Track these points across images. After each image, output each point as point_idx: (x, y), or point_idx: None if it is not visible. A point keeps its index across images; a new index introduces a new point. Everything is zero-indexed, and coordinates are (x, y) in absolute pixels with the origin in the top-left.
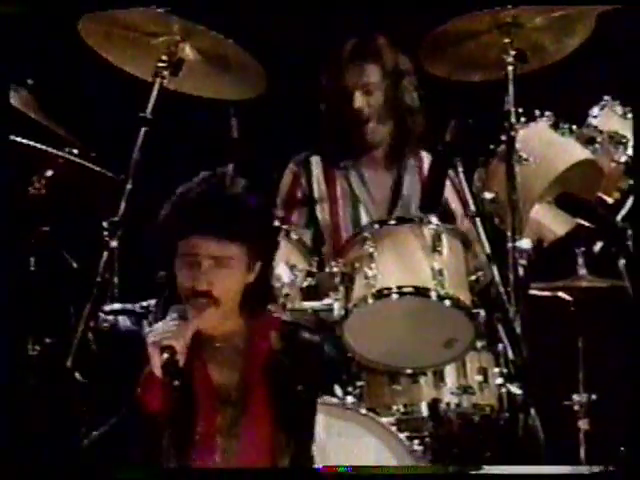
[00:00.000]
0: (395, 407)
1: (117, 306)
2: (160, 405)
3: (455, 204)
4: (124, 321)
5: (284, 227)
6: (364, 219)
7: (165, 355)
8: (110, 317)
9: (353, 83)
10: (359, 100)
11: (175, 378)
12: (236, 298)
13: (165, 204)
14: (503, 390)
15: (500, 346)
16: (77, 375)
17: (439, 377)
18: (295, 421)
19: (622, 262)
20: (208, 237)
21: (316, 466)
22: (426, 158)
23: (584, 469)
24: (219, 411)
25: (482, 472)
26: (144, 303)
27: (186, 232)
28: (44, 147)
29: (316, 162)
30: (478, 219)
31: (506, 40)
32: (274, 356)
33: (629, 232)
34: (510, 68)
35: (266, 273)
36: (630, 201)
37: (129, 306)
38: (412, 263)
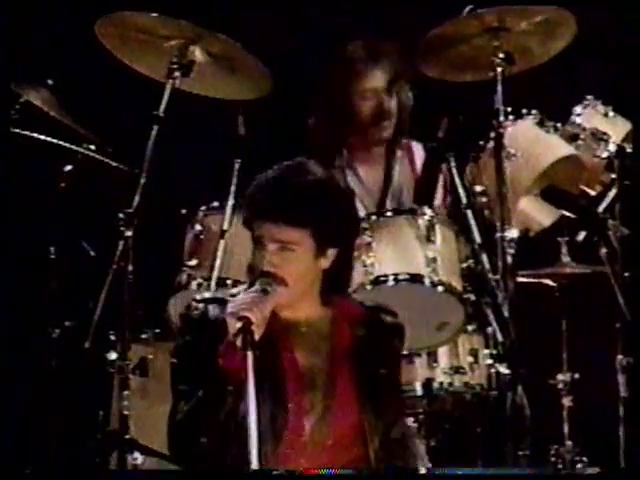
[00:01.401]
0: None
1: (207, 294)
2: (238, 373)
3: (439, 200)
4: (213, 309)
5: None
6: (360, 211)
7: (239, 324)
8: (200, 305)
9: (380, 85)
10: (387, 101)
11: (250, 349)
12: (308, 283)
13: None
14: (492, 370)
15: (490, 329)
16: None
17: (432, 358)
18: (381, 403)
19: (603, 250)
20: (271, 222)
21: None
22: (416, 148)
23: (584, 470)
24: (306, 395)
25: (481, 472)
26: (234, 290)
27: (256, 216)
28: (64, 143)
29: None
30: (469, 211)
31: (495, 43)
32: (358, 341)
33: (610, 222)
34: (499, 69)
35: (344, 260)
36: (611, 193)
37: (219, 294)
38: (407, 252)
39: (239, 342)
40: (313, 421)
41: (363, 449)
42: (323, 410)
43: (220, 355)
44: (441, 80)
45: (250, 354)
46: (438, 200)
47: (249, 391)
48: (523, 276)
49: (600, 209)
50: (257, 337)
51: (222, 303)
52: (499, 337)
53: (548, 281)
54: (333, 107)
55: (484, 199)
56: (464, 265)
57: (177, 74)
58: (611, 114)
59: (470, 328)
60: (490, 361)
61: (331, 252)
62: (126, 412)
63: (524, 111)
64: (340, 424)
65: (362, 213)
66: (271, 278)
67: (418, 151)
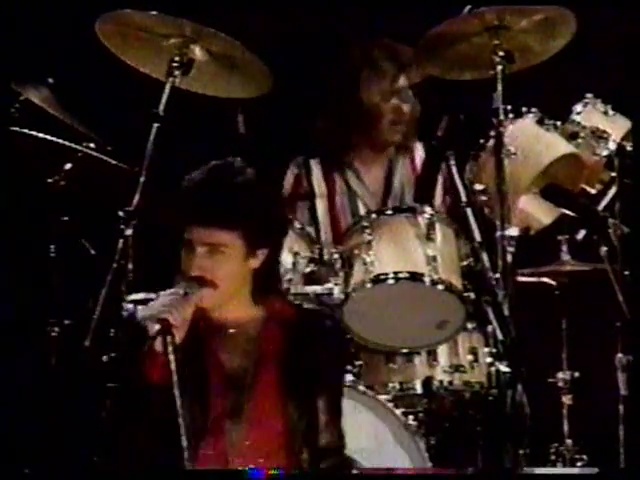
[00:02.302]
0: (391, 385)
1: (139, 296)
2: (160, 377)
3: (437, 199)
4: (142, 310)
5: (287, 217)
6: (362, 211)
7: (157, 327)
8: (130, 306)
9: (401, 86)
10: (406, 104)
11: (170, 352)
12: (238, 284)
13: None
14: (492, 368)
15: (489, 327)
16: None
17: (432, 356)
18: (308, 408)
19: (603, 249)
20: (201, 225)
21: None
22: (417, 148)
23: (586, 470)
24: (228, 396)
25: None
26: (168, 292)
27: (186, 219)
28: (63, 142)
29: (315, 164)
30: (469, 209)
31: (495, 42)
32: (287, 343)
33: (610, 220)
34: (499, 68)
35: (273, 260)
36: (611, 192)
37: (151, 295)
38: (407, 250)
39: (159, 345)
40: (234, 423)
41: (291, 455)
42: (245, 412)
43: (142, 359)
44: (441, 78)
45: (172, 357)
46: (437, 200)
47: (175, 394)
48: (523, 274)
49: (600, 207)
50: (179, 339)
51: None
52: (499, 335)
53: (548, 279)
54: (348, 107)
55: (484, 197)
56: (464, 263)
57: (177, 72)
58: (611, 112)
59: (470, 326)
60: (490, 359)
61: (261, 252)
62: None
63: (524, 109)
64: (261, 427)
65: (363, 212)
66: (201, 282)
67: (418, 151)
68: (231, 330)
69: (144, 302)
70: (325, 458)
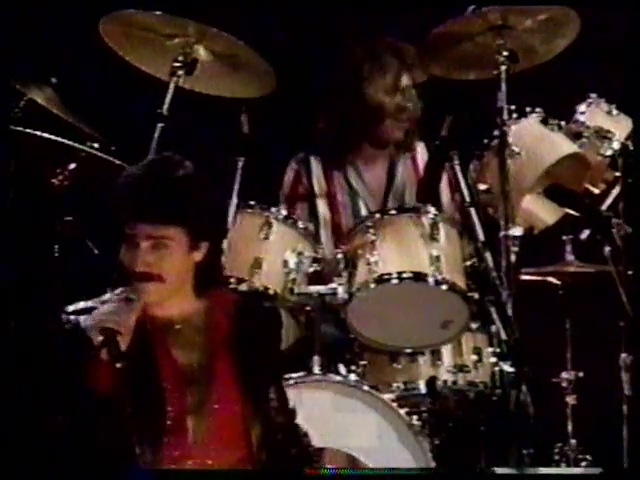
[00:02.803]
0: (395, 384)
1: (80, 305)
2: (108, 387)
3: (445, 198)
4: (85, 321)
5: (292, 217)
6: (363, 210)
7: (100, 337)
8: (72, 317)
9: (405, 83)
10: (408, 101)
11: (117, 360)
12: (183, 277)
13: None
14: (496, 368)
15: (493, 327)
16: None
17: (436, 356)
18: (263, 391)
19: (607, 249)
20: (144, 220)
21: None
22: (419, 147)
23: (590, 470)
24: (187, 392)
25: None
26: (104, 297)
27: (127, 216)
28: (67, 142)
29: (315, 161)
30: (473, 209)
31: (499, 42)
32: (235, 329)
33: (613, 221)
34: (503, 68)
35: (215, 252)
36: (615, 191)
37: (90, 303)
38: (411, 250)
39: (104, 355)
40: (196, 419)
41: (246, 441)
42: (206, 406)
43: (87, 370)
44: (445, 78)
45: (119, 365)
46: (446, 199)
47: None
48: (527, 274)
49: (604, 207)
50: (124, 347)
51: (93, 311)
52: (503, 335)
53: (552, 279)
54: (350, 104)
55: (488, 197)
56: (468, 263)
57: (181, 72)
58: (615, 112)
59: (474, 326)
60: (494, 359)
61: (204, 245)
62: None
63: (528, 109)
64: (222, 418)
65: (364, 211)
66: (147, 278)
67: (421, 150)
68: (178, 325)
69: (85, 311)
70: (278, 434)
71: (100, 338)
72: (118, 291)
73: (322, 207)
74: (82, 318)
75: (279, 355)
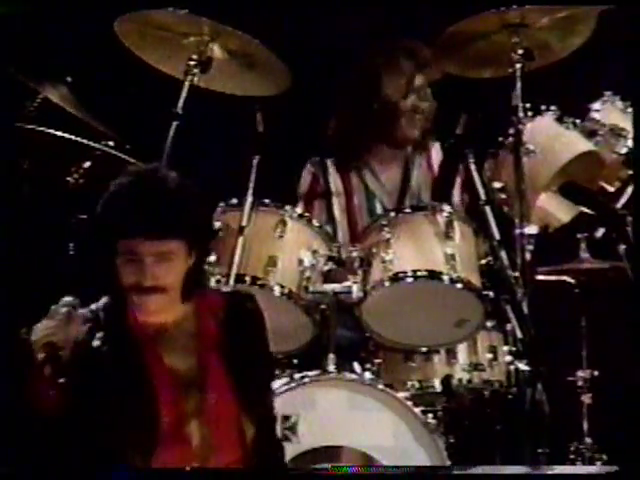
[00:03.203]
0: (410, 383)
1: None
2: (52, 404)
3: (456, 198)
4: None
5: (307, 215)
6: (379, 211)
7: (42, 354)
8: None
9: (419, 84)
10: (423, 101)
11: (59, 375)
12: (179, 285)
13: (100, 202)
14: (511, 367)
15: (509, 326)
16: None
17: (451, 355)
18: (254, 392)
19: (622, 247)
20: (148, 236)
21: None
22: (434, 148)
23: (594, 469)
24: (185, 397)
25: (492, 472)
26: (93, 307)
27: (124, 232)
28: (82, 140)
29: (331, 163)
30: (488, 207)
31: (514, 39)
32: (222, 329)
33: (628, 218)
34: (518, 65)
35: (202, 258)
36: (630, 189)
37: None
38: (426, 248)
39: (47, 371)
40: (197, 425)
41: (241, 445)
42: (202, 410)
43: (28, 388)
44: (460, 77)
45: (61, 381)
46: (456, 199)
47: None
48: (542, 273)
49: (619, 205)
50: (64, 359)
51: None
52: (518, 334)
53: (567, 277)
54: (366, 105)
55: (503, 195)
56: (483, 262)
57: (195, 71)
58: (630, 110)
59: (489, 325)
60: (509, 358)
61: (194, 252)
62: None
63: (543, 107)
64: (219, 420)
65: (380, 211)
66: (154, 292)
67: (436, 151)
68: (169, 331)
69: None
70: (270, 432)
71: (42, 355)
72: (62, 303)
73: (338, 208)
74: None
75: (267, 355)
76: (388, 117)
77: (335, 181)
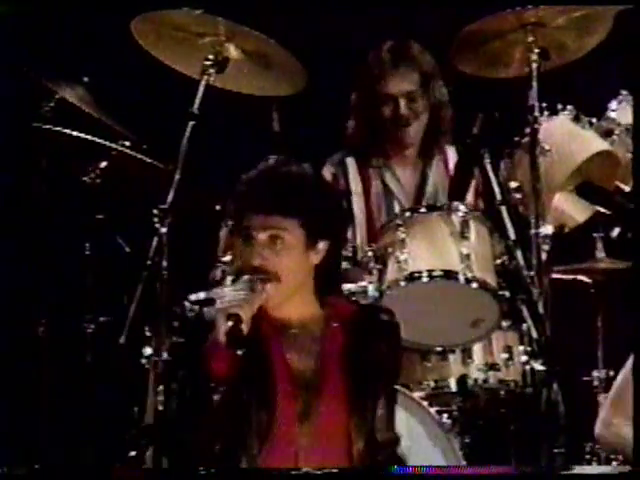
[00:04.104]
0: (426, 383)
1: (202, 295)
2: (227, 372)
3: (469, 199)
4: (209, 312)
5: None
6: (397, 210)
7: (230, 323)
8: (196, 307)
9: (397, 91)
10: (404, 107)
11: (239, 347)
12: (301, 279)
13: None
14: (527, 367)
15: (524, 326)
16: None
17: (467, 355)
18: (370, 406)
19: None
20: (259, 211)
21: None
22: (450, 151)
23: (610, 469)
24: (297, 397)
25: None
26: (226, 289)
27: (246, 208)
28: (99, 140)
29: (351, 163)
30: (504, 207)
31: (530, 39)
32: (350, 342)
33: None
34: (534, 65)
35: (334, 256)
36: None
37: (212, 294)
38: (441, 248)
39: (226, 340)
40: (303, 428)
41: (347, 453)
42: (314, 415)
43: (209, 355)
44: (476, 76)
45: (239, 352)
46: (469, 201)
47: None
48: (558, 272)
49: (635, 205)
50: (245, 333)
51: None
52: (534, 334)
53: (583, 277)
54: (363, 109)
55: (519, 195)
56: (498, 261)
57: (212, 71)
58: None
59: (505, 325)
60: (525, 358)
61: (321, 246)
62: (161, 407)
63: (559, 107)
64: (327, 427)
65: (398, 211)
66: (263, 273)
67: (451, 153)
68: (294, 330)
69: (210, 302)
70: (380, 452)
71: (230, 324)
72: (244, 279)
73: (357, 207)
74: (205, 309)
75: (393, 372)
76: (377, 123)
77: (355, 180)
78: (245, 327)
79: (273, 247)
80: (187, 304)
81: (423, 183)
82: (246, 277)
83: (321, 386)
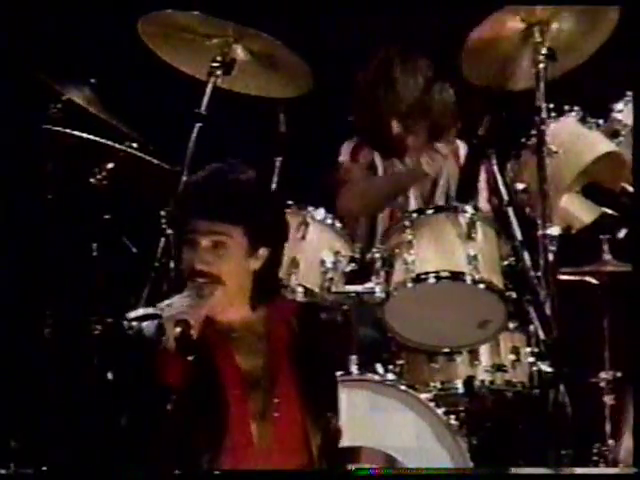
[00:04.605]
0: (433, 384)
1: (141, 311)
2: (179, 378)
3: (482, 199)
4: (148, 328)
5: (329, 216)
6: (412, 203)
7: (178, 329)
8: (134, 324)
9: (390, 111)
10: (396, 127)
11: (189, 353)
12: (242, 283)
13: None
14: (534, 368)
15: (531, 327)
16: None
17: (474, 356)
18: (322, 400)
19: None
20: (204, 217)
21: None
22: (461, 146)
23: (617, 470)
24: (249, 397)
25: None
26: (167, 302)
27: (189, 214)
28: (106, 141)
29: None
30: (510, 208)
31: (537, 39)
32: (296, 339)
33: None
34: (541, 66)
35: (274, 262)
36: None
37: (151, 310)
38: (448, 249)
39: (176, 346)
40: (260, 426)
41: (306, 449)
42: (267, 413)
43: (160, 364)
44: (489, 87)
45: (190, 358)
46: (483, 199)
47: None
48: (565, 274)
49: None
50: (194, 338)
51: (155, 318)
52: (541, 335)
53: (590, 279)
54: (362, 129)
55: (525, 196)
56: (505, 263)
57: (219, 72)
58: None
59: (512, 326)
60: (532, 359)
61: (262, 252)
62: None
63: (566, 108)
64: (283, 425)
65: (413, 205)
66: (206, 277)
67: (463, 149)
68: (237, 332)
69: (148, 318)
70: (336, 441)
71: (178, 330)
72: (191, 286)
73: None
74: (145, 324)
75: (336, 362)
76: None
77: (379, 162)
78: (194, 332)
79: (216, 252)
80: (125, 323)
81: (436, 178)
82: (191, 285)
83: (273, 384)
